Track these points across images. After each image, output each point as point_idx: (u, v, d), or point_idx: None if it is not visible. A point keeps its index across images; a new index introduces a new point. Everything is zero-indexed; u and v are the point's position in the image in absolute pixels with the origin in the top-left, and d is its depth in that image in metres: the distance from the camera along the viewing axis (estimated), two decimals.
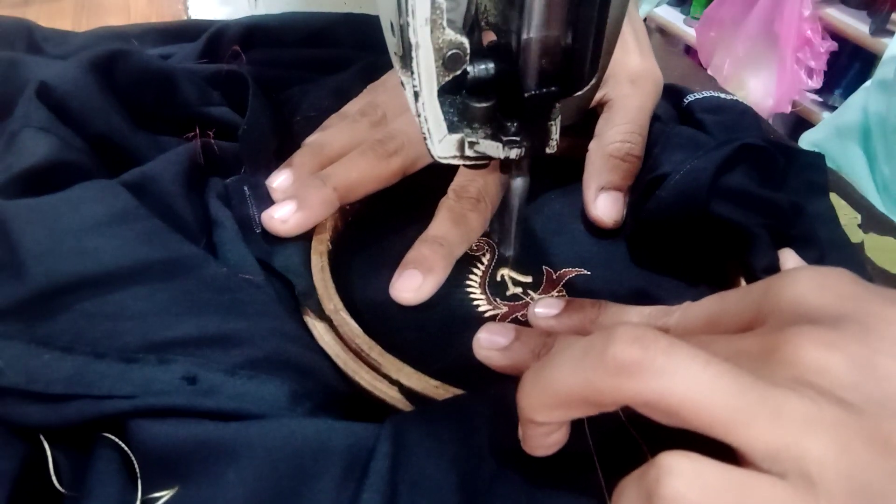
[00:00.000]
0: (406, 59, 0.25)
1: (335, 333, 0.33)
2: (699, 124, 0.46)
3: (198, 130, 0.40)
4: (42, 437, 0.26)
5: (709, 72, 0.83)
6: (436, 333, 0.35)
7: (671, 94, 0.50)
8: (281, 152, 0.42)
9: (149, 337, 0.28)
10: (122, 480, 0.25)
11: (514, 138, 0.28)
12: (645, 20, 0.77)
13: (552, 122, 0.28)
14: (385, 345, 0.32)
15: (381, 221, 0.41)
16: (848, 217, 0.47)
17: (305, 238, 0.37)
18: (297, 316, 0.34)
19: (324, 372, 0.30)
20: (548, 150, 0.29)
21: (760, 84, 1.51)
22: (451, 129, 0.28)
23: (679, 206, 0.37)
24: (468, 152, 0.28)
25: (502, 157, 0.28)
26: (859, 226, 0.47)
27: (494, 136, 0.28)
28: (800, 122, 1.64)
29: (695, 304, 0.28)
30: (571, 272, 0.39)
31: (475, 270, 0.39)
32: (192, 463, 0.25)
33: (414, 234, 0.38)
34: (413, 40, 0.24)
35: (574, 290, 0.38)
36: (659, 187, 0.38)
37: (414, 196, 0.41)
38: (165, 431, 0.25)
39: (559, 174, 0.44)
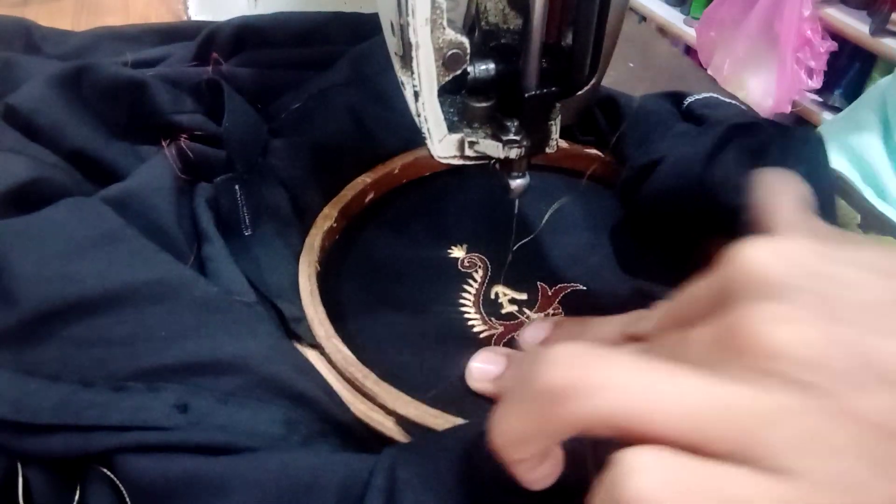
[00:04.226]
0: (406, 59, 0.25)
1: (327, 361, 0.32)
2: (700, 120, 0.46)
3: (173, 136, 0.39)
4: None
5: (709, 72, 0.83)
6: (431, 356, 0.34)
7: (672, 97, 0.49)
8: (266, 152, 0.41)
9: (138, 363, 0.27)
10: None
11: (514, 138, 0.28)
12: (644, 20, 0.77)
13: (552, 122, 0.28)
14: (378, 369, 0.31)
15: (369, 240, 0.40)
16: (848, 217, 0.47)
17: (294, 260, 0.36)
18: (288, 337, 0.33)
19: (318, 397, 0.29)
20: (548, 150, 0.28)
21: (760, 84, 1.51)
22: (451, 128, 0.28)
23: (674, 189, 0.37)
24: (468, 152, 0.28)
25: (502, 156, 0.28)
26: (859, 226, 0.47)
27: (494, 136, 0.28)
28: (800, 123, 1.64)
29: (667, 302, 0.25)
30: (567, 288, 0.38)
31: (468, 288, 0.37)
32: (184, 497, 0.24)
33: (402, 251, 0.37)
34: (413, 40, 0.24)
35: (571, 306, 0.37)
36: (653, 171, 0.38)
37: (401, 213, 0.40)
38: (156, 465, 0.24)
39: (553, 188, 0.43)
